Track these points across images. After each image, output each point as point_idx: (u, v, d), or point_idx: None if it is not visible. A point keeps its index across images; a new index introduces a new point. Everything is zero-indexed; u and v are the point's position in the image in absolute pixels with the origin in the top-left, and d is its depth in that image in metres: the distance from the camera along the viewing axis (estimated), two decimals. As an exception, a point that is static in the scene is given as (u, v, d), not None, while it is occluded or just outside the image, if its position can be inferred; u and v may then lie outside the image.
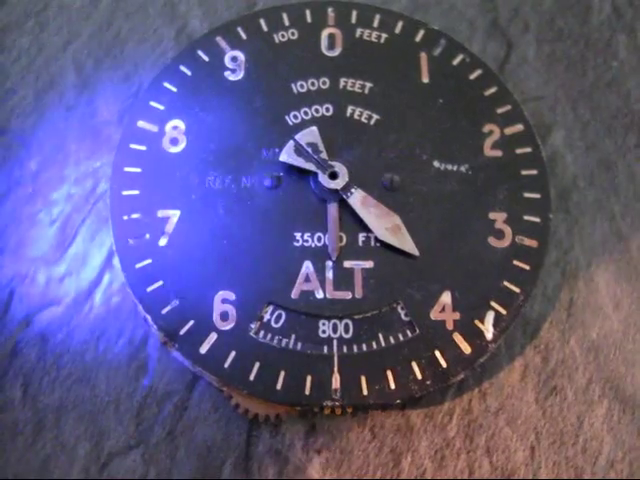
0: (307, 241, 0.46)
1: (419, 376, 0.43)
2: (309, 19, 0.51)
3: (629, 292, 0.49)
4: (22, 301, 0.47)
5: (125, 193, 0.46)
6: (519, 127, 0.49)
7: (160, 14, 0.54)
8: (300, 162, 0.47)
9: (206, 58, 0.50)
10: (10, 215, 0.48)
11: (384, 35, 0.51)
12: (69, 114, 0.51)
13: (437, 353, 0.44)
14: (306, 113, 0.49)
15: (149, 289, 0.44)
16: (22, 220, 0.48)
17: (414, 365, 0.44)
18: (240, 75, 0.50)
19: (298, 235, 0.46)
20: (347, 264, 0.46)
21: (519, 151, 0.49)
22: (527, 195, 0.48)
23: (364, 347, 0.44)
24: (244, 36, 0.51)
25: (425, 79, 0.50)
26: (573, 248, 0.50)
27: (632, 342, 0.48)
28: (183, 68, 0.50)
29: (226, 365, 0.43)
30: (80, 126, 0.51)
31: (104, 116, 0.51)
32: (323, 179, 0.46)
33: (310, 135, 0.47)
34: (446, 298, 0.45)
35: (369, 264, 0.46)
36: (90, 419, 0.45)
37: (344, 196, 0.46)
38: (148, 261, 0.45)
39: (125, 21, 0.53)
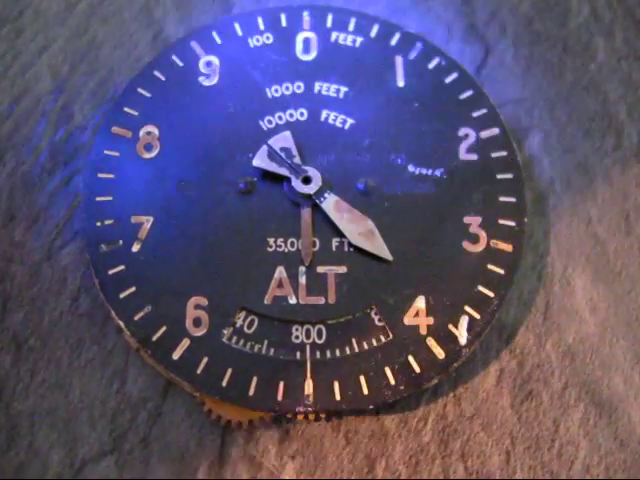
0: (280, 246, 0.46)
1: (392, 381, 0.43)
2: (284, 23, 0.51)
3: (605, 296, 0.49)
4: (-3, 307, 0.47)
5: (99, 199, 0.46)
6: (495, 131, 0.49)
7: (136, 19, 0.54)
8: (273, 167, 0.47)
9: (180, 63, 0.50)
10: (-16, 222, 0.48)
11: (359, 39, 0.51)
12: (44, 120, 0.51)
13: (410, 358, 0.44)
14: (280, 118, 0.49)
15: (122, 295, 0.44)
16: (-4, 226, 0.48)
17: (387, 370, 0.44)
18: (214, 80, 0.50)
19: (271, 240, 0.46)
20: (320, 269, 0.46)
21: (494, 155, 0.48)
22: (502, 199, 0.48)
23: (337, 353, 0.44)
24: (219, 41, 0.51)
25: (400, 83, 0.50)
26: (549, 252, 0.49)
27: (608, 346, 0.48)
28: (157, 73, 0.49)
29: (199, 371, 0.43)
30: (56, 132, 0.51)
31: (79, 121, 0.51)
32: (296, 184, 0.46)
33: (283, 140, 0.47)
34: (420, 303, 0.45)
35: (342, 269, 0.46)
36: (64, 426, 0.45)
37: (317, 201, 0.46)
38: (121, 267, 0.45)
39: (101, 26, 0.53)
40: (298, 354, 0.44)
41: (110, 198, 0.46)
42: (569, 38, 0.55)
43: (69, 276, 0.48)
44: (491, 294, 0.45)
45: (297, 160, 0.47)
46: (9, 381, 0.45)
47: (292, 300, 0.45)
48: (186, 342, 0.44)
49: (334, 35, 0.51)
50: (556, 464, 0.45)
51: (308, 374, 0.43)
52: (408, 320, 0.45)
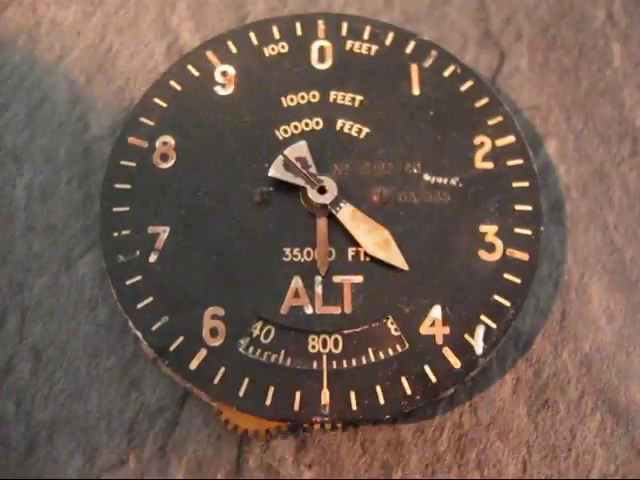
0: (296, 256, 0.46)
1: (408, 391, 0.43)
2: (299, 32, 0.51)
3: (623, 304, 0.48)
4: (16, 317, 0.47)
5: (115, 210, 0.47)
6: (510, 138, 0.49)
7: (151, 28, 0.54)
8: (289, 177, 0.47)
9: (196, 73, 0.50)
10: (1, 231, 0.49)
11: (374, 47, 0.51)
12: (61, 130, 0.51)
13: (427, 368, 0.44)
14: (296, 127, 0.49)
15: (139, 306, 0.45)
16: (15, 236, 0.49)
17: (403, 380, 0.44)
18: (230, 90, 0.50)
19: (287, 250, 0.46)
20: (336, 279, 0.46)
21: (510, 163, 0.48)
22: (518, 207, 0.47)
23: (353, 362, 0.44)
24: (234, 50, 0.51)
25: (416, 91, 0.50)
26: (566, 260, 0.49)
27: (625, 355, 0.47)
28: (173, 83, 0.50)
29: (216, 381, 0.43)
30: (72, 142, 0.51)
31: (96, 132, 0.51)
32: (312, 194, 0.46)
33: (299, 150, 0.47)
34: (436, 312, 0.45)
35: (358, 279, 0.46)
36: (82, 435, 0.45)
37: (333, 211, 0.46)
38: (138, 278, 0.45)
39: (116, 36, 0.54)
40: (315, 364, 0.44)
41: (127, 209, 0.47)
42: (585, 44, 0.54)
43: (87, 286, 0.48)
44: (507, 303, 0.45)
45: (313, 170, 0.47)
46: (28, 391, 0.46)
47: (308, 310, 0.45)
48: (203, 352, 0.44)
49: (349, 44, 0.51)
50: (573, 473, 0.45)
51: (325, 384, 0.43)
52: (424, 330, 0.45)
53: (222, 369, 0.44)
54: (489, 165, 0.48)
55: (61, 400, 0.46)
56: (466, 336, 0.45)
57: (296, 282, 0.45)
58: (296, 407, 0.43)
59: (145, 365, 0.46)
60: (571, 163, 0.51)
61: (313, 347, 0.44)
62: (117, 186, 0.47)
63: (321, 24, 0.52)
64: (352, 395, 0.43)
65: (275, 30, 0.51)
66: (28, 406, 0.46)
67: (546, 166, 0.51)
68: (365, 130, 0.49)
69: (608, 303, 0.48)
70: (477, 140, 0.49)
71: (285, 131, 0.49)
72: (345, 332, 0.45)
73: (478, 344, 0.44)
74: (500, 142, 0.49)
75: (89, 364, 0.46)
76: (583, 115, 0.53)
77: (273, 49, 0.51)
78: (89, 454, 0.45)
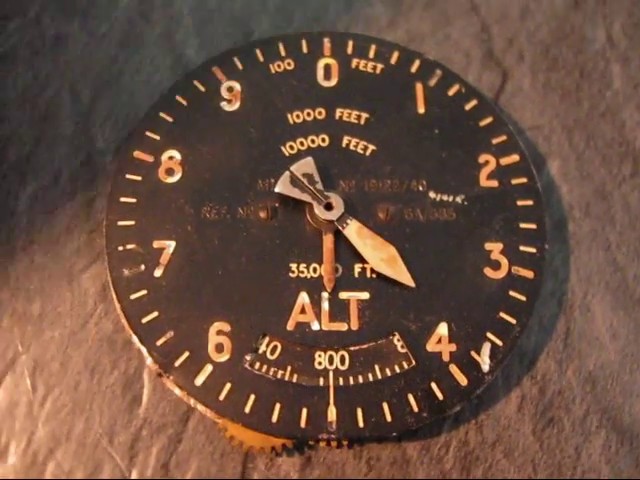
0: (303, 272, 0.46)
1: (415, 408, 0.43)
2: (305, 49, 0.52)
3: (626, 322, 0.49)
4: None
5: (120, 224, 0.46)
6: (515, 157, 0.49)
7: (156, 43, 0.54)
8: (295, 193, 0.47)
9: (202, 88, 0.50)
10: (3, 244, 0.48)
11: (380, 65, 0.51)
12: (64, 144, 0.51)
13: (433, 385, 0.44)
14: (302, 143, 0.49)
15: (144, 320, 0.44)
16: (16, 251, 0.48)
17: (410, 397, 0.43)
18: (236, 105, 0.50)
19: (294, 266, 0.46)
20: (343, 295, 0.45)
21: (515, 181, 0.49)
22: (523, 225, 0.48)
23: (360, 379, 0.44)
24: (240, 66, 0.51)
25: (421, 109, 0.50)
26: (569, 278, 0.49)
27: (629, 373, 0.48)
28: (179, 98, 0.50)
29: (221, 397, 0.43)
30: (76, 156, 0.51)
31: (100, 146, 0.51)
32: (319, 210, 0.46)
33: (306, 166, 0.47)
34: (442, 329, 0.45)
35: (365, 295, 0.46)
36: (84, 451, 0.44)
37: (340, 227, 0.46)
38: (143, 292, 0.45)
39: (121, 50, 0.54)
40: (321, 380, 0.44)
41: (132, 222, 0.46)
42: (586, 65, 0.55)
43: (89, 300, 0.47)
44: (513, 321, 0.45)
45: (320, 186, 0.47)
46: (29, 406, 0.45)
47: (315, 326, 0.45)
48: (209, 368, 0.44)
49: (355, 61, 0.51)
50: (578, 491, 0.45)
51: (331, 401, 0.43)
52: (431, 347, 0.45)
53: (228, 385, 0.43)
54: (494, 183, 0.49)
55: (62, 416, 0.45)
56: (472, 353, 0.45)
57: (302, 298, 0.45)
58: (302, 424, 0.43)
59: (148, 381, 0.46)
60: (573, 183, 0.52)
61: (319, 363, 0.44)
62: (123, 200, 0.47)
63: (327, 42, 0.52)
64: (359, 412, 0.43)
65: (281, 47, 0.52)
66: (29, 421, 0.45)
67: (549, 185, 0.52)
68: (371, 147, 0.49)
69: (611, 321, 0.48)
70: (482, 158, 0.49)
71: (291, 147, 0.49)
72: (352, 349, 0.44)
73: (484, 361, 0.44)
74: (504, 161, 0.49)
75: (91, 379, 0.46)
76: (585, 135, 0.53)
77: (279, 66, 0.51)
78: (91, 471, 0.44)
